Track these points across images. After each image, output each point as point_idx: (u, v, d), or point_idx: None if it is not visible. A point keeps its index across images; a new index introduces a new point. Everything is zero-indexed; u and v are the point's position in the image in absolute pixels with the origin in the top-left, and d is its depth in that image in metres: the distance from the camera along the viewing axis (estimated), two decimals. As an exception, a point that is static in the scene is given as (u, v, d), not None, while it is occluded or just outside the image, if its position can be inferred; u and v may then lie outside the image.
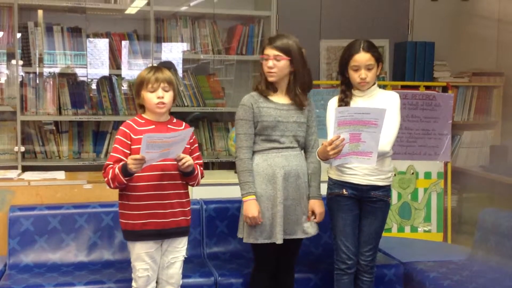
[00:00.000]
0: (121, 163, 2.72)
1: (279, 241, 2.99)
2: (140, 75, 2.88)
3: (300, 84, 3.03)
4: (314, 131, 3.18)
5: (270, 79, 3.01)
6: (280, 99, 3.07)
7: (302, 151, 3.15)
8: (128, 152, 2.79)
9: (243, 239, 3.07)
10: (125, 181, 2.73)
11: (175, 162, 2.82)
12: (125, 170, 2.69)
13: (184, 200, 2.91)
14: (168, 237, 2.90)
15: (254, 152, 3.07)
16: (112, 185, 2.78)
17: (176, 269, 2.97)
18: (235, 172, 3.12)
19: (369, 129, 2.78)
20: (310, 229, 3.11)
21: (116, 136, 2.85)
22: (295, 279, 3.38)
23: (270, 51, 2.98)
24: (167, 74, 2.85)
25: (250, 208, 2.97)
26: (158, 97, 2.80)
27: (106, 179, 2.79)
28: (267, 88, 3.05)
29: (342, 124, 2.78)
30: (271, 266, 3.12)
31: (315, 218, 3.14)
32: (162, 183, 2.82)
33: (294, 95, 3.04)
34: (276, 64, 2.97)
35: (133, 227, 2.84)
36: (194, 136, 2.99)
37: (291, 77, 3.03)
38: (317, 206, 3.13)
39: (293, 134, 3.06)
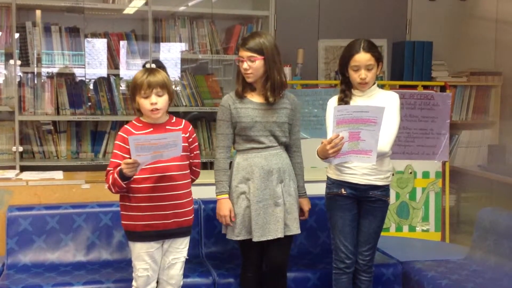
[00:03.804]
0: (118, 168, 2.72)
1: (255, 238, 3.00)
2: (134, 78, 2.86)
3: (271, 83, 3.02)
4: (298, 131, 3.20)
5: (248, 80, 3.03)
6: (258, 98, 3.07)
7: (284, 150, 3.14)
8: (128, 156, 2.77)
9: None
10: (124, 185, 2.73)
11: (177, 163, 2.83)
12: (122, 174, 2.69)
13: (185, 200, 2.90)
14: (169, 237, 2.90)
15: (237, 151, 3.12)
16: (113, 190, 2.78)
17: (176, 270, 2.96)
18: None
19: (368, 128, 2.78)
20: (293, 227, 3.09)
21: (115, 142, 2.85)
22: (293, 278, 3.39)
23: (243, 53, 2.99)
24: (159, 77, 2.81)
25: (222, 207, 3.03)
26: (151, 104, 2.79)
27: (107, 185, 2.79)
28: (244, 88, 3.06)
29: (341, 123, 2.78)
30: (257, 265, 3.13)
31: (303, 216, 3.20)
32: (163, 184, 2.82)
33: (266, 94, 3.04)
34: (251, 65, 2.97)
35: (134, 228, 2.84)
36: (194, 135, 2.99)
37: (264, 76, 3.03)
38: (305, 204, 3.20)
39: (272, 133, 3.06)
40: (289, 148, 3.17)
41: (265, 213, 3.01)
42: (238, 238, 3.05)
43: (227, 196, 3.05)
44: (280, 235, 3.02)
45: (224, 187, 3.06)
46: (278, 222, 3.02)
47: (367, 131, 2.79)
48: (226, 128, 3.07)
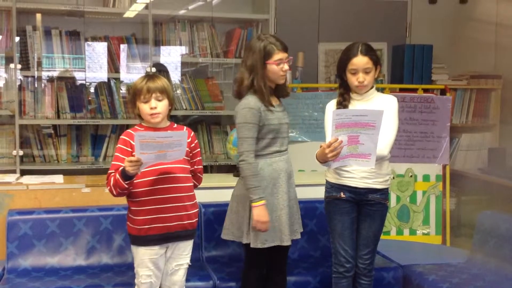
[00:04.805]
0: (120, 168, 2.72)
1: (287, 242, 3.03)
2: (134, 84, 2.88)
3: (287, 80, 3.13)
4: None
5: (281, 81, 3.06)
6: (274, 100, 3.08)
7: None
8: None
9: (249, 244, 3.02)
10: (126, 185, 2.72)
11: (179, 165, 2.84)
12: (124, 174, 2.68)
13: (188, 203, 2.89)
14: (173, 241, 2.89)
15: (256, 156, 3.05)
16: (115, 192, 2.77)
17: (179, 276, 2.96)
18: (235, 175, 3.09)
19: (367, 131, 2.78)
20: (300, 226, 3.18)
21: (117, 145, 2.86)
22: (294, 282, 3.40)
23: (283, 55, 3.00)
24: (159, 83, 2.82)
25: (264, 213, 2.94)
26: (151, 108, 2.80)
27: (109, 187, 2.79)
28: (267, 91, 3.03)
29: (339, 127, 2.79)
30: (263, 266, 3.14)
31: None
32: (166, 186, 2.82)
33: (284, 94, 3.11)
34: (289, 66, 3.05)
35: (138, 232, 2.84)
36: (196, 141, 3.00)
37: None
38: None
39: (287, 135, 3.10)
40: None
41: (291, 215, 3.07)
42: (265, 246, 3.00)
43: (265, 202, 2.97)
44: (298, 236, 3.14)
45: (263, 193, 2.97)
46: (298, 222, 3.12)
47: (366, 135, 2.79)
48: (255, 131, 2.97)
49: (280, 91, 3.11)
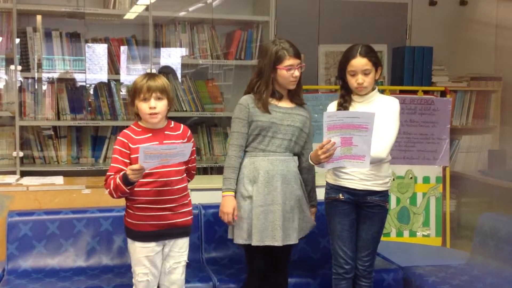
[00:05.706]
0: (121, 173, 2.71)
1: (254, 242, 2.99)
2: (134, 82, 2.87)
3: (301, 86, 3.13)
4: (311, 140, 3.22)
5: (292, 87, 3.07)
6: (283, 103, 3.10)
7: (293, 157, 3.14)
8: (128, 161, 2.78)
9: (247, 246, 3.05)
10: (127, 190, 2.73)
11: (175, 168, 2.84)
12: (125, 180, 2.69)
13: (182, 203, 2.90)
14: (169, 238, 2.89)
15: (245, 153, 3.10)
16: (115, 195, 2.77)
17: (178, 275, 2.96)
18: None
19: (360, 133, 2.79)
20: (293, 237, 3.06)
21: (115, 147, 2.84)
22: (294, 284, 3.39)
23: (295, 61, 3.01)
24: (159, 82, 2.82)
25: (227, 204, 3.02)
26: (150, 107, 2.80)
27: (108, 190, 2.78)
28: (272, 96, 3.06)
29: (332, 129, 2.80)
30: (263, 271, 3.12)
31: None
32: (161, 189, 2.82)
33: (299, 97, 3.12)
34: (299, 72, 3.05)
35: (135, 227, 2.85)
36: (193, 140, 3.00)
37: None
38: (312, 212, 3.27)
39: (284, 137, 3.05)
40: (302, 157, 3.18)
41: (265, 218, 3.00)
42: (247, 242, 3.02)
43: (233, 194, 3.03)
44: (277, 243, 3.00)
45: (231, 185, 3.04)
46: (276, 229, 2.99)
47: (359, 137, 2.80)
48: (242, 126, 3.05)
49: (292, 96, 3.12)
